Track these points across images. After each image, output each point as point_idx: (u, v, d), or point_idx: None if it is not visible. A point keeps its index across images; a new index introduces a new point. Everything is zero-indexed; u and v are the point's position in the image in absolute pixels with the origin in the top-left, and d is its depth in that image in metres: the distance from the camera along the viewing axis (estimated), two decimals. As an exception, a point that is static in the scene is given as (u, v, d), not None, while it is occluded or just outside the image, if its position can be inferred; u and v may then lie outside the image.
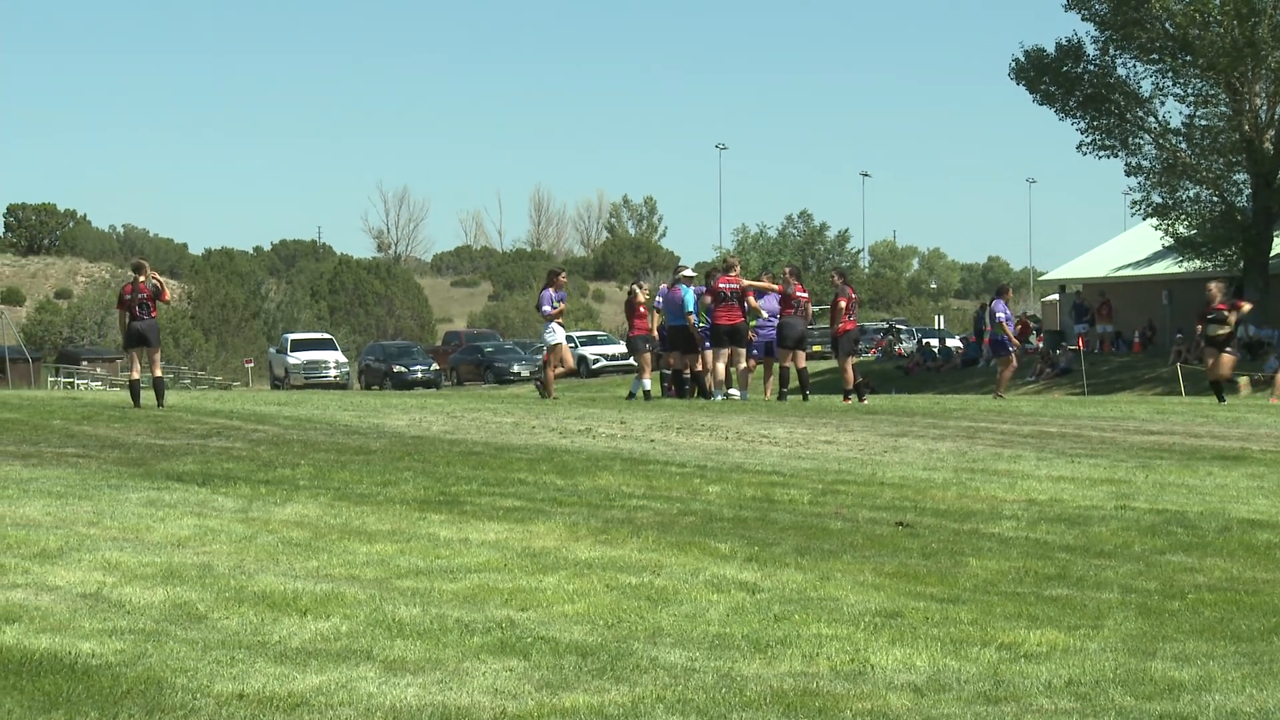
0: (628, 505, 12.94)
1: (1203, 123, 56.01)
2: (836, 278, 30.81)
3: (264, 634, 8.11)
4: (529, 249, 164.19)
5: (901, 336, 75.35)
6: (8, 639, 7.93)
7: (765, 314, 29.63)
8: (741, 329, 28.90)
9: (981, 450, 18.15)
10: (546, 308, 29.54)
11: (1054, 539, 11.56)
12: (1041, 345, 58.51)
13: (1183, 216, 56.31)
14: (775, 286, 30.23)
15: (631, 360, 31.06)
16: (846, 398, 29.27)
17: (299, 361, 68.84)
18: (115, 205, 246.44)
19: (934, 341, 70.15)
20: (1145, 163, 56.94)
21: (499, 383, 66.39)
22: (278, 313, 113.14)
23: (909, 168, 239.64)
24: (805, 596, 9.24)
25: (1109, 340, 59.31)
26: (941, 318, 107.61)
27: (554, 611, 8.74)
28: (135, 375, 25.00)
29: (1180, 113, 57.66)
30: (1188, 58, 53.81)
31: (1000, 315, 32.80)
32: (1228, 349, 30.23)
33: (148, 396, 24.72)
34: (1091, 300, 61.61)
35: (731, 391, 28.72)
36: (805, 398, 29.27)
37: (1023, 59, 57.38)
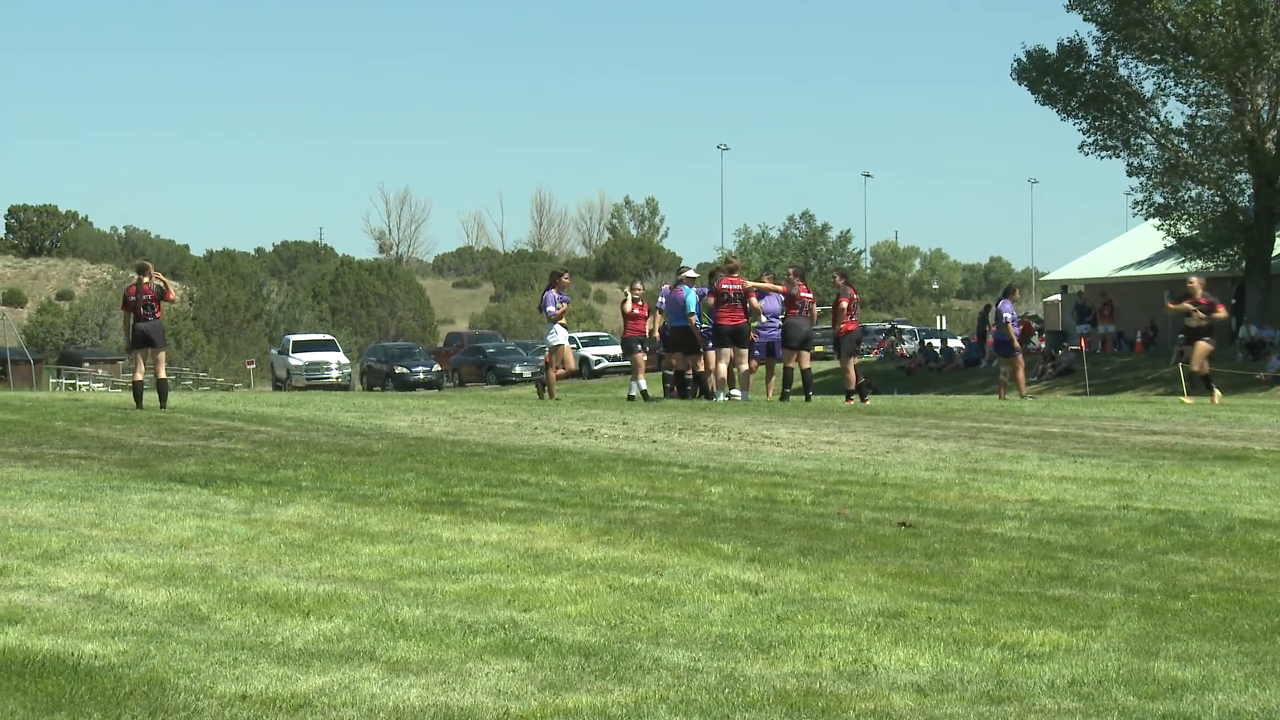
0: (630, 506, 12.94)
1: (1205, 123, 56.00)
2: (838, 278, 30.82)
3: (267, 635, 8.11)
4: (530, 250, 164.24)
5: (903, 337, 75.31)
6: (10, 640, 7.93)
7: (765, 316, 29.65)
8: (744, 330, 28.91)
9: (984, 450, 18.15)
10: (550, 308, 29.53)
11: (1057, 539, 11.56)
12: (1044, 346, 58.48)
13: (1185, 217, 56.30)
14: (779, 288, 30.24)
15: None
16: (849, 398, 29.28)
17: (301, 363, 68.83)
18: (117, 207, 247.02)
19: (936, 342, 70.11)
20: (1147, 163, 56.93)
21: (501, 384, 66.38)
22: (279, 314, 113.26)
23: (911, 168, 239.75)
24: (808, 597, 9.24)
25: (1111, 340, 59.29)
26: (943, 318, 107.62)
27: (557, 612, 8.73)
28: (139, 377, 25.00)
29: (1182, 113, 57.66)
30: (1189, 58, 53.79)
31: (1007, 316, 32.81)
32: (1205, 339, 30.24)
33: (150, 398, 24.72)
34: (1093, 300, 61.58)
35: (733, 392, 28.72)
36: (808, 398, 29.27)
37: (1024, 59, 57.38)
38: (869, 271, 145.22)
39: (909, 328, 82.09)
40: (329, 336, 78.38)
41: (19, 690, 6.98)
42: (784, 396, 29.78)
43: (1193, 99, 55.99)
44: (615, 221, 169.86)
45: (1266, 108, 54.45)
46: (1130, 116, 56.56)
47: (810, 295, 29.91)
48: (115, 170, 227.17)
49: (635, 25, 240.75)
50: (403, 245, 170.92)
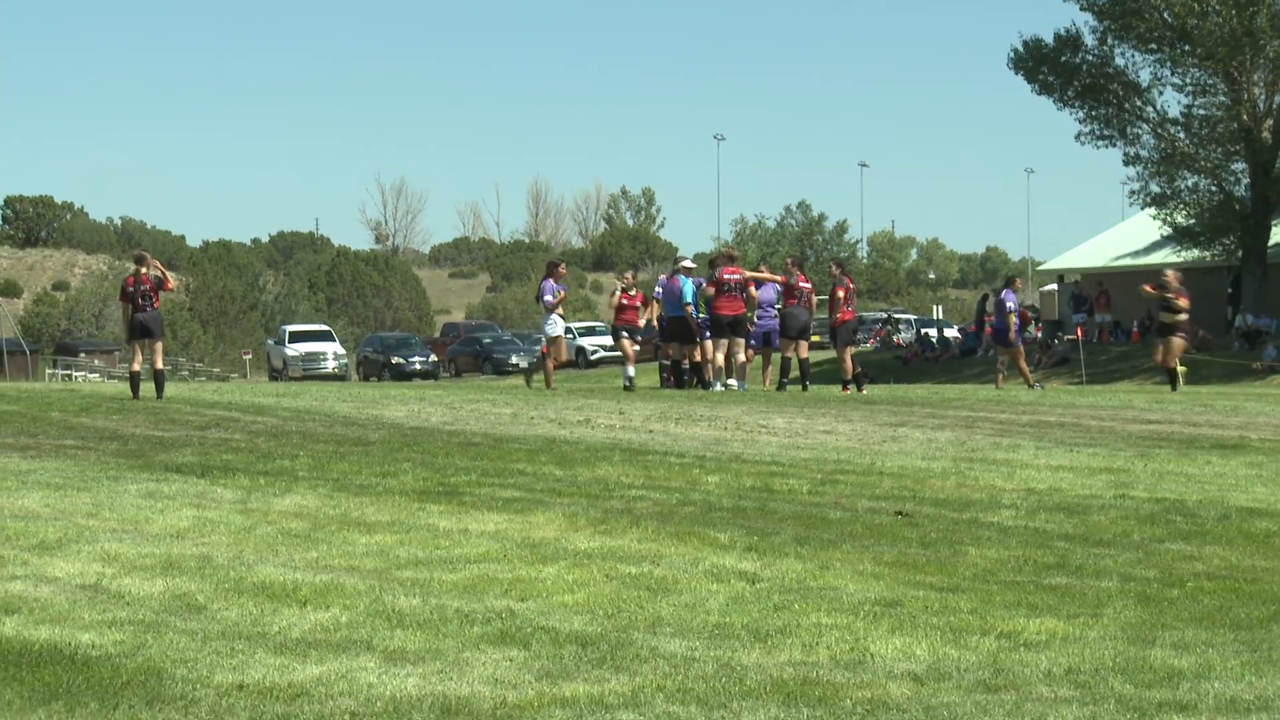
0: (627, 495, 12.94)
1: (1201, 112, 55.99)
2: (834, 268, 30.82)
3: (264, 625, 8.12)
4: (527, 240, 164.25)
5: (900, 327, 75.31)
6: (7, 630, 7.93)
7: (760, 305, 29.65)
8: (743, 320, 28.91)
9: (980, 440, 18.15)
10: (548, 297, 29.53)
11: (1053, 528, 11.56)
12: (1040, 335, 58.50)
13: (1181, 206, 56.29)
14: (777, 277, 30.24)
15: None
16: (845, 388, 29.28)
17: (297, 353, 68.82)
18: (113, 197, 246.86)
19: (932, 331, 70.10)
20: (1143, 152, 56.93)
21: (497, 374, 66.32)
22: (275, 304, 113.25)
23: (907, 158, 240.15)
24: (805, 586, 9.25)
25: (1107, 330, 59.30)
26: (940, 308, 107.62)
27: (553, 601, 8.74)
28: (136, 367, 24.99)
29: (1178, 102, 57.72)
30: (1186, 47, 53.78)
31: (1010, 306, 32.80)
32: (1178, 334, 30.26)
33: (146, 388, 24.71)
34: (1090, 290, 61.60)
35: (730, 382, 28.71)
36: (804, 388, 29.27)
37: (1021, 49, 57.36)
38: (865, 261, 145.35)
39: (905, 317, 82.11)
40: (325, 327, 78.32)
41: (16, 680, 6.98)
42: (781, 386, 29.78)
43: (1189, 88, 55.97)
44: (612, 211, 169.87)
45: (1263, 97, 54.46)
46: (1127, 106, 56.55)
47: (809, 285, 29.90)
48: (111, 161, 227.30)
49: (631, 16, 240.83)
50: (399, 236, 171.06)
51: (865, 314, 77.05)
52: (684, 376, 29.75)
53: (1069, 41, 56.88)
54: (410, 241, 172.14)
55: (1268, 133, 54.01)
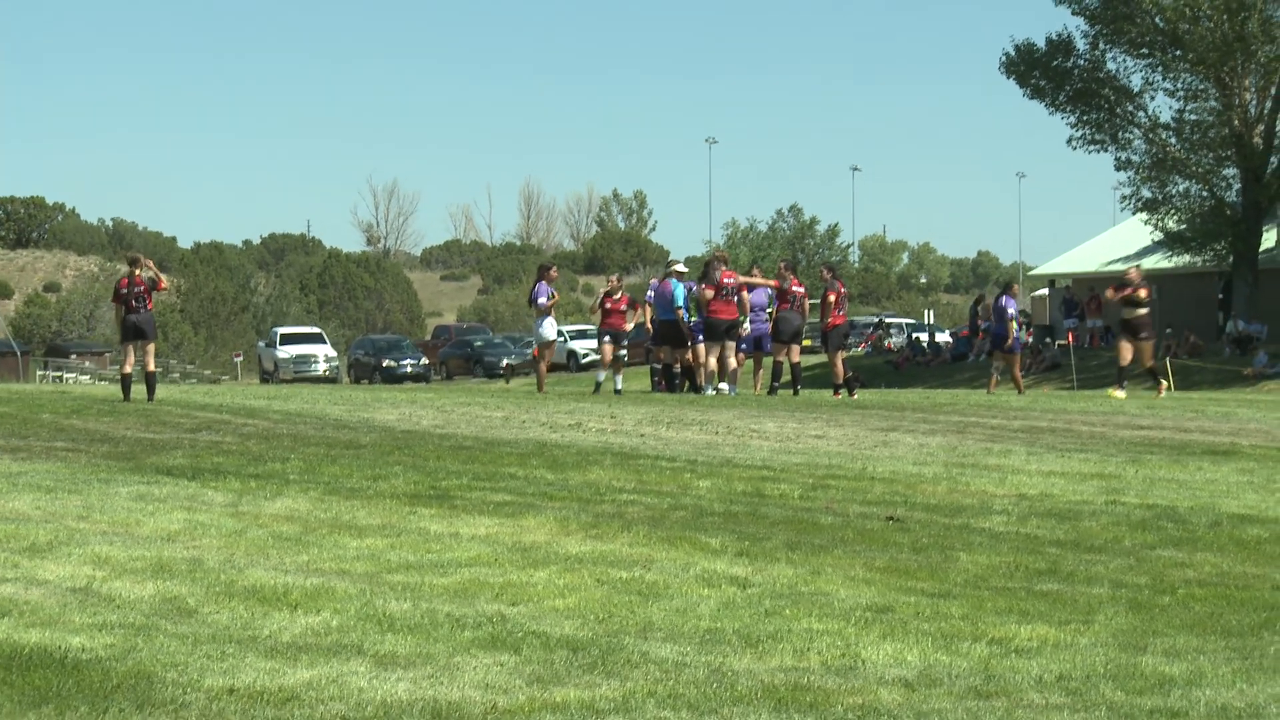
0: (618, 500, 12.93)
1: (1192, 117, 56.09)
2: (826, 272, 30.84)
3: (254, 628, 8.10)
4: (519, 243, 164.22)
5: (891, 331, 75.33)
6: (-3, 633, 7.92)
7: (750, 309, 29.67)
8: (738, 324, 28.92)
9: (972, 445, 18.15)
10: (543, 300, 29.57)
11: (1044, 534, 11.57)
12: (1030, 340, 58.54)
13: (1172, 211, 56.37)
14: (770, 282, 30.24)
15: (621, 355, 31.01)
16: (836, 392, 29.28)
17: (288, 355, 68.75)
18: (104, 199, 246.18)
19: (924, 336, 70.13)
20: (1135, 157, 57.02)
21: (489, 377, 66.30)
22: (267, 306, 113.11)
23: (899, 162, 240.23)
24: (796, 591, 9.24)
25: (1098, 335, 59.34)
26: (931, 312, 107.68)
27: (544, 606, 8.73)
28: (127, 369, 24.97)
29: (1170, 107, 57.86)
30: (1177, 52, 53.87)
31: (1010, 312, 32.79)
32: (1143, 335, 30.25)
33: (137, 391, 24.69)
34: (1081, 295, 61.66)
35: (721, 386, 28.70)
36: (796, 392, 29.27)
37: (1013, 53, 57.42)
38: (857, 265, 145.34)
39: (897, 322, 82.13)
40: (316, 329, 78.22)
41: (6, 683, 6.97)
42: (772, 390, 29.77)
43: (1181, 93, 56.08)
44: (603, 215, 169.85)
45: (1254, 102, 54.55)
46: (1118, 111, 56.62)
47: (802, 289, 29.90)
48: (103, 162, 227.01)
49: (623, 18, 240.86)
50: (390, 238, 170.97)
51: (857, 318, 76.99)
52: (675, 380, 29.74)
53: (1061, 46, 56.95)
54: (402, 244, 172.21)
55: (1259, 138, 54.09)
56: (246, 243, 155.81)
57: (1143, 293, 30.20)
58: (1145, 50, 55.23)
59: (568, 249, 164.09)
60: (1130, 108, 56.70)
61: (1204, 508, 12.97)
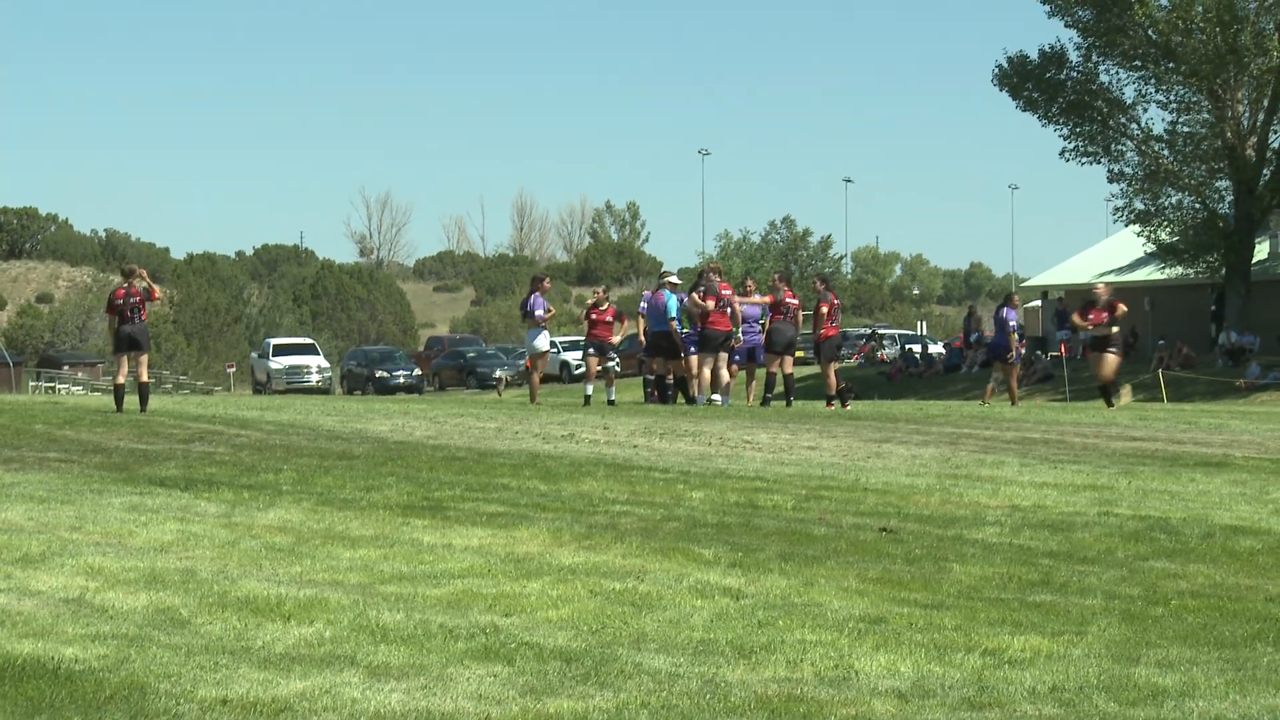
0: (611, 511, 12.93)
1: (1185, 129, 56.14)
2: (819, 284, 30.86)
3: (247, 639, 8.10)
4: (511, 254, 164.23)
5: (884, 342, 75.32)
6: (-10, 644, 7.91)
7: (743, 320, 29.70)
8: (731, 336, 28.95)
9: (964, 456, 18.16)
10: (539, 312, 29.60)
11: (1037, 545, 11.57)
12: (1023, 351, 58.50)
13: (1165, 223, 56.40)
14: (764, 299, 30.18)
15: (612, 365, 30.99)
16: (829, 403, 29.29)
17: (281, 366, 68.71)
18: (97, 209, 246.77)
19: (917, 347, 70.13)
20: (1128, 169, 57.06)
21: (481, 388, 66.29)
22: (260, 317, 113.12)
23: (892, 173, 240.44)
24: (789, 602, 9.24)
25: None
26: (924, 323, 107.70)
27: (538, 617, 8.73)
28: (121, 380, 24.96)
29: (1163, 119, 57.81)
30: (1170, 64, 53.94)
31: (1011, 324, 32.80)
32: (1110, 349, 30.33)
33: (130, 401, 24.68)
34: (1073, 306, 61.63)
35: (714, 397, 28.71)
36: (789, 403, 29.28)
37: (1006, 65, 57.47)
38: (850, 277, 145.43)
39: (890, 333, 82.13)
40: (309, 340, 78.22)
41: (-2, 694, 6.96)
42: (765, 401, 29.78)
43: (1173, 105, 56.13)
44: (596, 226, 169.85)
45: (1247, 114, 54.60)
46: (1111, 123, 56.68)
47: (796, 300, 29.95)
48: (96, 173, 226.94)
49: (617, 30, 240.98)
50: (383, 249, 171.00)
51: (849, 330, 77.07)
52: (668, 391, 29.75)
53: (1054, 58, 57.01)
54: (395, 255, 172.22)
55: (1251, 150, 54.16)
56: (239, 254, 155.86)
57: (1120, 310, 30.40)
58: (1138, 62, 55.31)
59: (561, 260, 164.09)
60: (1123, 120, 56.76)
61: (1197, 519, 12.98)
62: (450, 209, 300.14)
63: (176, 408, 26.73)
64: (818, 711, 6.87)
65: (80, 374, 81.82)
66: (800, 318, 30.82)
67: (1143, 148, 56.61)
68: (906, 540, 11.62)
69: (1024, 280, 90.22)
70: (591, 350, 30.40)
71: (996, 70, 57.65)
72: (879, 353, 71.61)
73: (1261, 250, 57.28)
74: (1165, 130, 56.54)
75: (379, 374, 67.48)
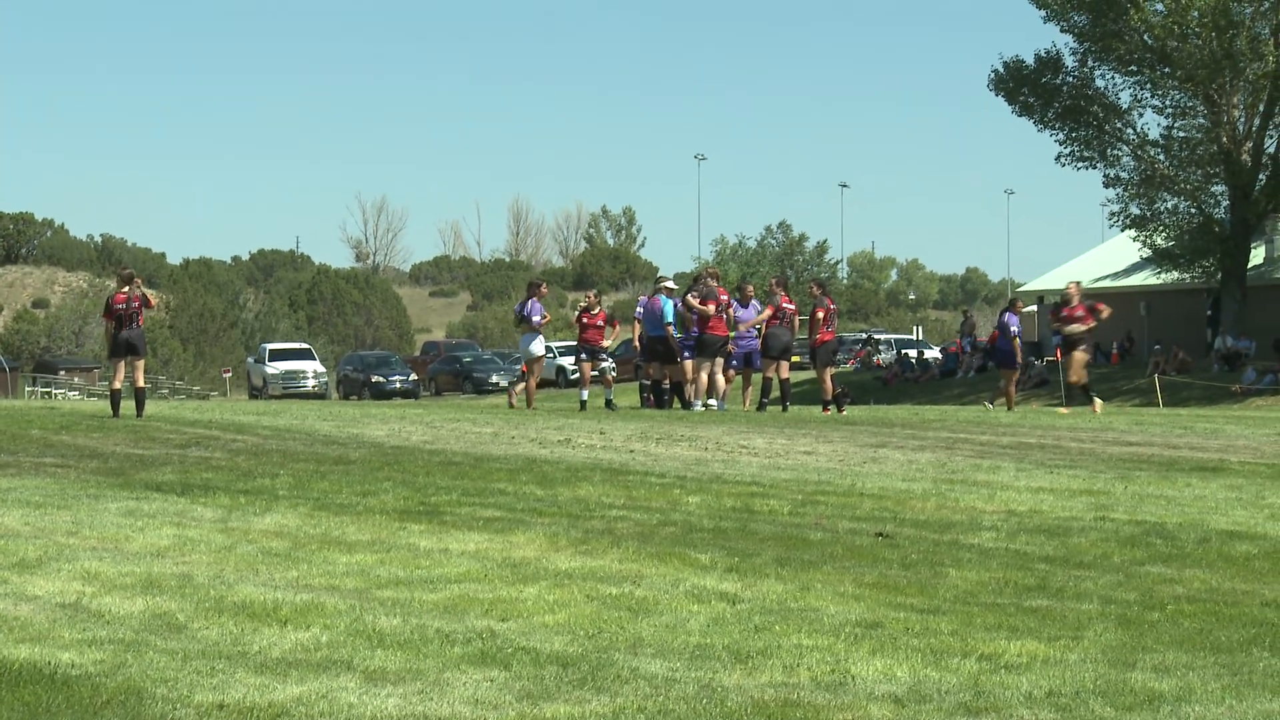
0: (608, 516, 12.94)
1: (1181, 134, 56.18)
2: (815, 288, 30.84)
3: (244, 644, 8.10)
4: (507, 259, 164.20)
5: (880, 347, 75.38)
6: (-13, 649, 7.91)
7: (741, 326, 29.72)
8: (728, 341, 28.98)
9: (960, 461, 18.16)
10: (536, 317, 29.60)
11: (1033, 550, 11.57)
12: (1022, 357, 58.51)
13: (1161, 228, 56.44)
14: (765, 313, 30.13)
15: (608, 370, 30.99)
16: (825, 408, 29.29)
17: (277, 371, 68.73)
18: (93, 215, 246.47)
19: (912, 352, 70.18)
20: (1123, 174, 57.13)
21: (477, 393, 66.31)
22: (256, 322, 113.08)
23: (887, 179, 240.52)
24: (785, 607, 9.24)
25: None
26: (920, 328, 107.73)
27: (534, 622, 8.73)
28: (117, 385, 24.95)
29: (1159, 124, 57.93)
30: (1166, 69, 53.97)
31: (1014, 330, 32.81)
32: (1080, 349, 30.34)
33: (126, 406, 24.67)
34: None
35: (710, 402, 28.71)
36: (785, 408, 29.28)
37: (1001, 70, 57.53)
38: (845, 282, 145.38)
39: (885, 338, 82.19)
40: (305, 345, 78.26)
41: (-5, 699, 6.97)
42: (761, 406, 29.78)
43: (1169, 110, 56.19)
44: (592, 231, 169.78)
45: (1242, 119, 54.64)
46: (1107, 128, 56.73)
47: (792, 306, 29.96)
48: (92, 178, 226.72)
49: (613, 35, 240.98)
50: (379, 254, 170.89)
51: (845, 334, 77.10)
52: (664, 396, 29.75)
53: (1049, 63, 57.07)
54: (391, 260, 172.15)
55: (1247, 155, 54.20)
56: (235, 259, 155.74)
57: (1106, 312, 30.48)
58: (1134, 67, 55.35)
59: (557, 265, 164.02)
60: (1119, 124, 56.82)
61: (1193, 524, 12.98)
62: (446, 214, 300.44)
63: (173, 413, 26.72)
64: (814, 716, 6.88)
65: (76, 379, 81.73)
66: (796, 322, 30.82)
67: (1138, 153, 56.65)
68: (903, 545, 11.63)
69: (1020, 285, 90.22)
70: (584, 355, 30.40)
71: (992, 75, 57.73)
72: (875, 358, 71.68)
73: (1257, 255, 57.35)
74: (1161, 135, 56.60)
75: (375, 379, 67.50)
